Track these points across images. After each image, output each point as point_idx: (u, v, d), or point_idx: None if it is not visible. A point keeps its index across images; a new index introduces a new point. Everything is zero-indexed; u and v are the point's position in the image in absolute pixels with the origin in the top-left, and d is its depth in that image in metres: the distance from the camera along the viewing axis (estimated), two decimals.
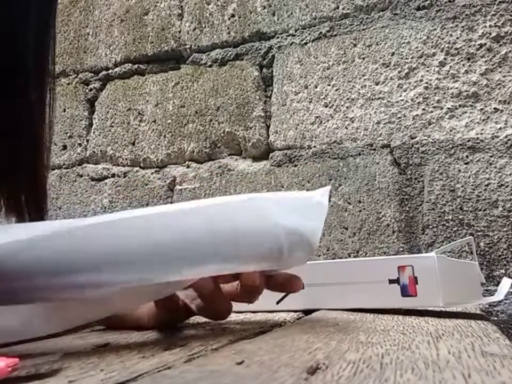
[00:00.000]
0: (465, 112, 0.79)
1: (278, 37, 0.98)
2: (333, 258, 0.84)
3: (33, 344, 0.33)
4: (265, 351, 0.29)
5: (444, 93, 0.81)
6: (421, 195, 0.80)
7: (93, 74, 1.21)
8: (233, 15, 1.04)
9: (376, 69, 0.87)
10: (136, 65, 1.15)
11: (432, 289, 0.44)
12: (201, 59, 1.06)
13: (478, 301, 0.48)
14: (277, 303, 0.49)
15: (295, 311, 0.49)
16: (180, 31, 1.10)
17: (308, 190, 0.89)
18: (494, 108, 0.77)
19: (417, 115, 0.82)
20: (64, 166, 1.20)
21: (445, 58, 0.82)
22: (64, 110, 1.23)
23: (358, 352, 0.28)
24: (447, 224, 0.77)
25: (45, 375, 0.23)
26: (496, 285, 0.71)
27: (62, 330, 0.32)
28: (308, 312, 0.48)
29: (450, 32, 0.82)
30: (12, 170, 0.40)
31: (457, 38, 0.81)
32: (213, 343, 0.32)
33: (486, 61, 0.79)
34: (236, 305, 0.41)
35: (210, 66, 1.05)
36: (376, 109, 0.86)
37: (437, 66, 0.82)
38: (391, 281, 0.46)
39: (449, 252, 0.75)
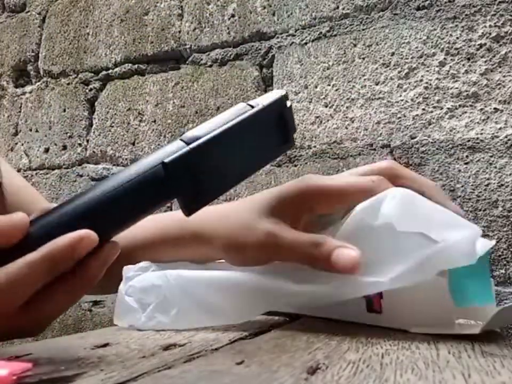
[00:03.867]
0: (465, 112, 0.79)
1: (278, 37, 0.98)
2: None
3: (33, 344, 0.33)
4: (265, 351, 0.29)
5: (444, 93, 0.81)
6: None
7: (93, 74, 1.21)
8: (233, 15, 1.04)
9: (376, 69, 0.87)
10: (136, 65, 1.15)
11: (397, 306, 0.37)
12: (201, 59, 1.06)
13: (452, 329, 0.36)
14: None
15: (283, 314, 0.48)
16: (179, 31, 1.10)
17: None
18: (494, 108, 0.77)
19: (417, 115, 0.82)
20: (64, 166, 1.20)
21: (445, 58, 0.82)
22: (64, 110, 1.23)
23: (358, 352, 0.28)
24: None
25: (46, 379, 0.23)
26: (496, 285, 0.71)
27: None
28: (295, 316, 0.47)
29: (450, 32, 0.82)
30: None
31: (457, 38, 0.81)
32: (213, 343, 0.32)
33: (486, 61, 0.79)
34: None
35: (210, 66, 1.05)
36: (376, 109, 0.86)
37: (437, 66, 0.82)
38: None
39: None
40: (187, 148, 0.33)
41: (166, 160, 0.32)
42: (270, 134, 0.38)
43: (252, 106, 0.37)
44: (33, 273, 0.27)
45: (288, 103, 0.39)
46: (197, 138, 0.34)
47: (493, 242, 0.38)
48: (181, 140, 0.34)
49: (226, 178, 0.36)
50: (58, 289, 0.28)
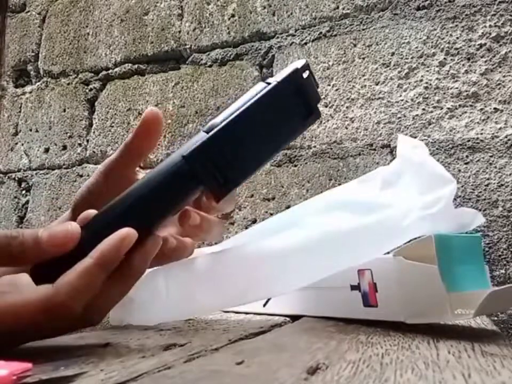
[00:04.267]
0: (465, 112, 0.79)
1: (278, 37, 0.98)
2: None
3: (33, 344, 0.33)
4: (265, 351, 0.29)
5: (444, 93, 0.81)
6: None
7: (93, 74, 1.21)
8: (233, 15, 1.04)
9: (376, 69, 0.87)
10: (136, 65, 1.15)
11: (392, 298, 0.37)
12: (201, 59, 1.06)
13: (447, 317, 0.35)
14: (264, 305, 0.48)
15: (283, 314, 0.47)
16: (179, 31, 1.10)
17: (307, 190, 0.89)
18: (494, 108, 0.77)
19: (417, 115, 0.82)
20: (64, 166, 1.20)
21: (445, 58, 0.82)
22: (64, 110, 1.23)
23: (358, 352, 0.28)
24: None
25: (46, 379, 0.23)
26: (496, 285, 0.71)
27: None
28: (294, 316, 0.46)
29: (450, 32, 0.82)
30: None
31: (457, 38, 0.81)
32: (213, 343, 0.32)
33: (486, 61, 0.79)
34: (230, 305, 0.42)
35: (210, 66, 1.05)
36: (376, 109, 0.86)
37: (437, 66, 0.82)
38: (352, 288, 0.40)
39: None
40: (205, 138, 0.34)
41: (186, 154, 0.33)
42: (291, 108, 0.36)
43: (269, 84, 0.36)
44: (92, 279, 0.30)
45: (305, 74, 0.37)
46: (216, 126, 0.34)
47: (483, 219, 0.40)
48: (203, 130, 0.35)
49: (250, 160, 0.36)
50: (109, 284, 0.32)
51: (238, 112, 0.34)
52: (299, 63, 0.37)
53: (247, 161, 0.35)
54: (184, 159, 0.33)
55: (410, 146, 0.43)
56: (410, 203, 0.37)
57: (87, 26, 1.24)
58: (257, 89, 0.35)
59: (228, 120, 0.34)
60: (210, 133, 0.34)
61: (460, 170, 0.78)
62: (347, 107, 0.88)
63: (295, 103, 0.36)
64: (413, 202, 0.37)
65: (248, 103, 0.35)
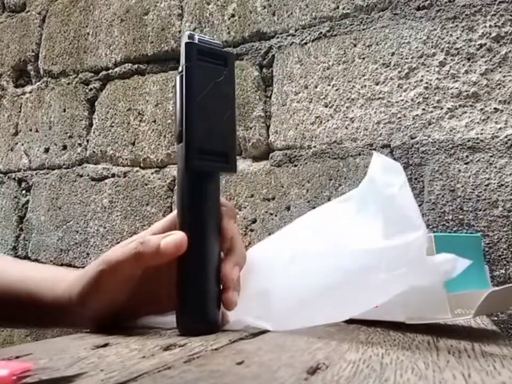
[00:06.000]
0: (465, 112, 0.79)
1: (278, 37, 0.98)
2: None
3: (33, 344, 0.33)
4: (265, 351, 0.29)
5: (444, 93, 0.81)
6: (421, 195, 0.80)
7: (93, 74, 1.21)
8: (233, 15, 1.04)
9: (376, 69, 0.87)
10: (136, 65, 1.15)
11: (392, 298, 0.36)
12: None
13: (447, 317, 0.36)
14: None
15: None
16: (180, 31, 1.10)
17: (307, 190, 0.89)
18: (494, 108, 0.77)
19: (417, 115, 0.82)
20: (64, 166, 1.20)
21: (445, 58, 0.82)
22: (64, 110, 1.23)
23: (358, 352, 0.28)
24: (447, 224, 0.77)
25: (46, 379, 0.23)
26: (496, 285, 0.71)
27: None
28: None
29: (450, 32, 0.82)
30: None
31: (457, 38, 0.81)
32: (213, 343, 0.32)
33: (486, 61, 0.79)
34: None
35: None
36: (376, 109, 0.86)
37: (437, 66, 0.82)
38: None
39: None
40: (183, 142, 0.37)
41: (186, 165, 0.37)
42: (209, 69, 0.39)
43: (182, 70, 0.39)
44: None
45: (197, 38, 0.39)
46: (181, 129, 0.38)
47: (468, 262, 0.34)
48: (177, 143, 0.39)
49: (225, 125, 0.39)
50: None
51: (184, 104, 0.37)
52: (184, 39, 0.40)
53: (224, 128, 0.39)
54: (188, 169, 0.37)
55: (384, 168, 0.38)
56: (374, 261, 0.34)
57: (87, 26, 1.24)
58: (179, 82, 0.39)
59: (185, 115, 0.37)
60: (184, 135, 0.37)
61: (459, 170, 0.78)
62: (347, 107, 0.88)
63: (210, 64, 0.39)
64: (378, 258, 0.34)
65: (184, 94, 0.38)
